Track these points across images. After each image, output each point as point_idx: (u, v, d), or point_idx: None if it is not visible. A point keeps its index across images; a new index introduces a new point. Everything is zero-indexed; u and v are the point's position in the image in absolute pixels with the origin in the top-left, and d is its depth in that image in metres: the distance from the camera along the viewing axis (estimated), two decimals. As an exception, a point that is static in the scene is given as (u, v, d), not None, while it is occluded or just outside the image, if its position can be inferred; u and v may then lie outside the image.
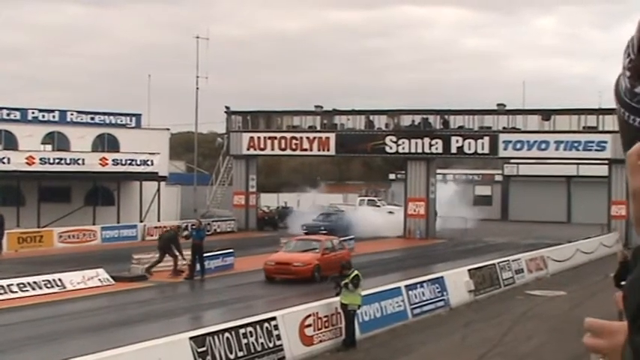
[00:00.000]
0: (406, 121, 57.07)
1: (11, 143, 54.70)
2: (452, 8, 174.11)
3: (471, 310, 26.61)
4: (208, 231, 52.94)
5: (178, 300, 30.51)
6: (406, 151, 55.79)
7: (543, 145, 53.10)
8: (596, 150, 52.19)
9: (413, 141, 55.36)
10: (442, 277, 27.11)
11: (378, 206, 65.61)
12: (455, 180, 73.96)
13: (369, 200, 69.24)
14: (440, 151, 55.05)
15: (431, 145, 54.91)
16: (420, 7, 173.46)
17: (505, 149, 54.19)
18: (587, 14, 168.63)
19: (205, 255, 34.91)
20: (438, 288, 26.28)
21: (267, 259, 33.76)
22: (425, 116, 56.18)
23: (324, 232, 47.71)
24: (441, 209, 58.43)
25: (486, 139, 54.03)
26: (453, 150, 54.86)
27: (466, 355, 20.14)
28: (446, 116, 55.69)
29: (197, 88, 67.61)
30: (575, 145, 52.49)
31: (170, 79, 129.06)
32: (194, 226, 36.27)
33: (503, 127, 54.20)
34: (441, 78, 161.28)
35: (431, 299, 25.70)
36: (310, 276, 32.10)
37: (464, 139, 54.36)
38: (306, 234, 46.75)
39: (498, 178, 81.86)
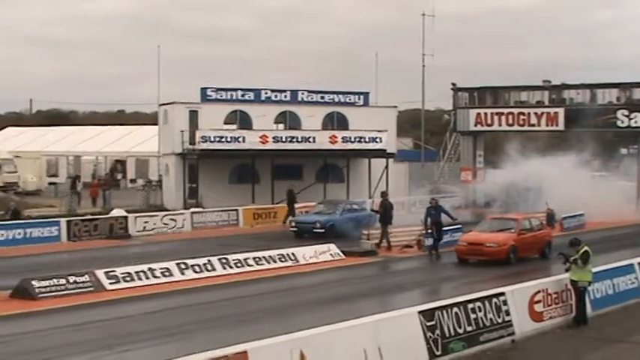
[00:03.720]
0: (638, 94, 55.15)
1: (246, 123, 56.70)
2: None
3: None
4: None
5: (406, 275, 30.88)
6: (639, 125, 53.97)
7: None
8: None
9: (646, 114, 53.55)
10: (679, 254, 26.16)
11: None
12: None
13: (599, 176, 67.18)
14: (674, 124, 52.95)
15: (665, 118, 52.95)
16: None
17: None
18: None
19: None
20: (674, 265, 25.36)
21: (460, 239, 32.81)
22: (659, 89, 54.15)
23: (319, 230, 40.08)
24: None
25: None
26: (689, 123, 52.65)
27: None
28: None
29: (423, 66, 68.00)
30: None
31: (395, 57, 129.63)
32: (431, 205, 34.43)
33: None
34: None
35: (667, 277, 24.83)
36: (505, 257, 30.84)
37: (701, 112, 52.09)
38: (296, 232, 41.30)
39: None
